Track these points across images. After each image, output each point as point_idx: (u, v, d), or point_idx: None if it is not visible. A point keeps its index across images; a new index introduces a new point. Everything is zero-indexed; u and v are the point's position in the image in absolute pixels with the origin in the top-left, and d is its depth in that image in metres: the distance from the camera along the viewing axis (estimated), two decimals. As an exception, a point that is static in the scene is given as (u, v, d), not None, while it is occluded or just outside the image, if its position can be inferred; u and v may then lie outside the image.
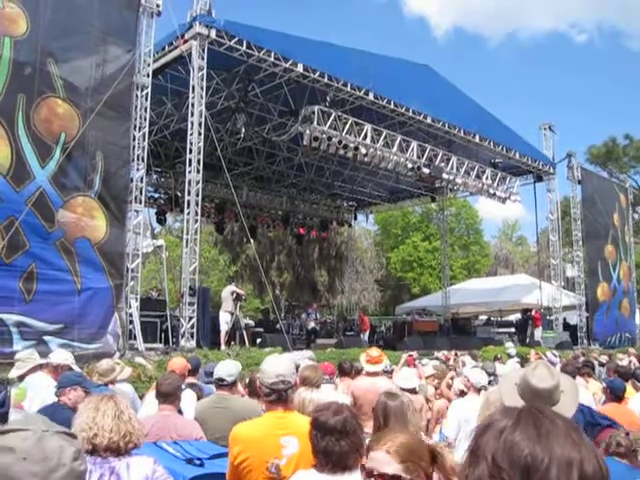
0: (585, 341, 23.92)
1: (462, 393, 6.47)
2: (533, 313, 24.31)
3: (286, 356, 5.19)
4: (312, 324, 22.08)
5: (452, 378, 7.73)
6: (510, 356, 13.74)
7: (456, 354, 13.48)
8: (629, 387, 6.99)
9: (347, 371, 7.86)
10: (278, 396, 3.38)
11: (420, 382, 8.15)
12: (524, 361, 13.58)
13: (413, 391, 6.50)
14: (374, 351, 6.73)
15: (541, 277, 27.37)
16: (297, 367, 6.07)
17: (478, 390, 6.11)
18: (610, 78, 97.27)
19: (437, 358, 13.78)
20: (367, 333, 23.52)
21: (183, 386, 5.37)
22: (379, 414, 3.87)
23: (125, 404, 2.92)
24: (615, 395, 6.10)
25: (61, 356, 6.54)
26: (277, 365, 3.49)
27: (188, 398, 5.47)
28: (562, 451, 1.15)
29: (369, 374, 6.47)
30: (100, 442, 2.80)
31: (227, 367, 5.17)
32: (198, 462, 3.62)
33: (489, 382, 7.23)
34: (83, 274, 11.17)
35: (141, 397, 7.60)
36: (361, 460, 2.78)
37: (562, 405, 2.77)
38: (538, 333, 23.41)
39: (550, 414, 1.27)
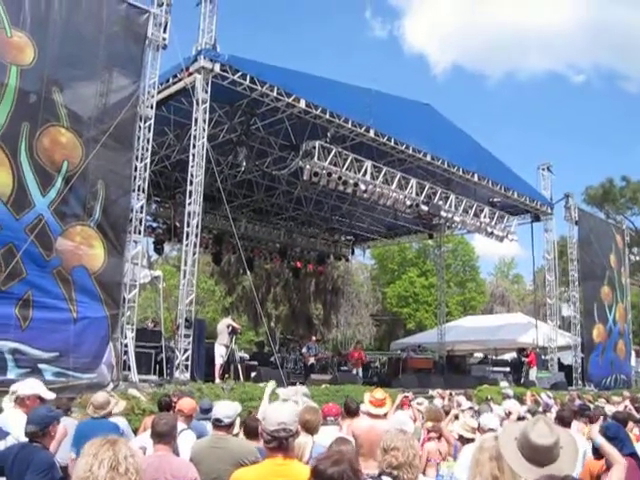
0: (580, 382, 23.78)
1: (461, 438, 6.40)
2: (528, 354, 24.18)
3: (284, 402, 5.12)
4: (312, 360, 21.83)
5: (456, 417, 7.65)
6: (508, 397, 13.61)
7: (451, 394, 13.37)
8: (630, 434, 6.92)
9: (352, 412, 7.71)
10: (279, 444, 3.36)
11: (415, 425, 8.09)
12: (520, 402, 13.48)
13: (409, 435, 6.43)
14: (379, 393, 6.65)
15: (537, 316, 27.31)
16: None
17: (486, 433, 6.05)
18: (607, 119, 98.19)
19: (431, 397, 13.67)
20: (360, 369, 23.20)
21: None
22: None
23: (125, 452, 2.85)
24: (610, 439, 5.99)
25: (28, 387, 5.96)
26: (279, 413, 3.47)
27: (187, 440, 5.41)
28: None
29: (371, 416, 6.42)
30: None
31: (225, 409, 5.13)
32: (194, 506, 3.58)
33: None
34: (79, 303, 11.13)
35: (134, 430, 7.55)
36: None
37: (561, 461, 2.75)
38: (533, 373, 23.28)
39: None
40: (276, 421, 3.39)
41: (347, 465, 2.76)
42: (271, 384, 6.79)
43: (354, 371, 22.50)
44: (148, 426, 6.28)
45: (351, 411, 7.53)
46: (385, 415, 6.58)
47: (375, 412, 6.41)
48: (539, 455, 2.64)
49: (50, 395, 5.96)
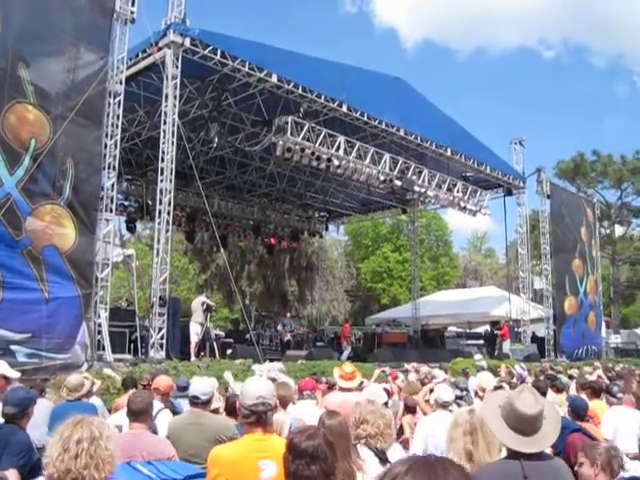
0: (552, 354, 24.13)
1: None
2: (501, 327, 24.45)
3: (259, 377, 5.10)
4: (288, 336, 21.80)
5: (431, 391, 7.69)
6: (482, 369, 13.74)
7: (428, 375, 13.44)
8: (602, 403, 7.02)
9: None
10: (257, 418, 3.33)
11: (394, 397, 8.13)
12: (494, 374, 13.61)
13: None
14: (348, 367, 6.71)
15: (510, 289, 27.61)
16: (273, 380, 6.04)
17: (443, 406, 6.09)
18: (578, 94, 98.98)
19: (406, 371, 13.75)
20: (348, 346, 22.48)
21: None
22: None
23: (80, 436, 2.74)
24: (576, 413, 6.05)
25: None
26: (257, 387, 3.44)
27: (164, 419, 5.36)
28: None
29: (342, 390, 6.45)
30: (51, 473, 2.71)
31: (202, 385, 5.09)
32: (173, 484, 3.54)
33: (461, 397, 7.23)
34: (51, 283, 10.97)
35: (109, 410, 7.49)
36: None
37: (545, 431, 2.77)
38: (506, 345, 23.57)
39: (446, 464, 1.35)
40: (254, 395, 3.35)
41: (321, 439, 2.75)
42: (228, 373, 6.76)
43: (348, 348, 22.06)
44: (119, 407, 6.24)
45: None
46: (359, 388, 6.62)
47: (346, 385, 6.46)
48: (524, 424, 2.67)
49: (15, 374, 5.84)
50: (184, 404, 6.10)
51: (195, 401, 4.99)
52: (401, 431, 7.43)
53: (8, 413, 4.51)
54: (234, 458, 3.26)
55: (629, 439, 6.11)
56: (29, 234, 10.73)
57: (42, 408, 5.80)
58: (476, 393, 8.51)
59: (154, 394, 5.85)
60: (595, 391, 7.31)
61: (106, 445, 2.78)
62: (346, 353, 21.29)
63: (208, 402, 5.06)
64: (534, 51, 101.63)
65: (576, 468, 3.54)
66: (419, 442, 5.78)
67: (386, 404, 6.72)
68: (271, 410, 3.39)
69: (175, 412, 5.96)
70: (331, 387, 8.14)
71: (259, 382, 3.58)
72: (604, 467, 3.83)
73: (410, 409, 7.72)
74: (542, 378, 10.51)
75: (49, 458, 2.72)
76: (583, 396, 7.50)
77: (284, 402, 5.13)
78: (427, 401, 7.49)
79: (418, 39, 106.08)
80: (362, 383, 7.96)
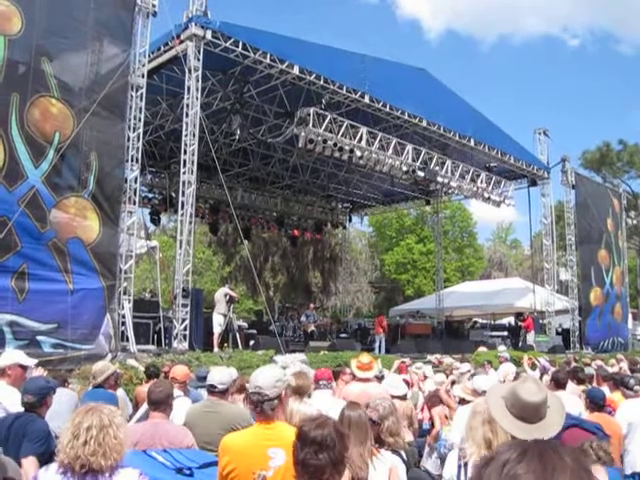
0: (577, 345, 23.93)
1: (462, 401, 6.41)
2: (525, 318, 24.28)
3: (273, 367, 5.12)
4: (312, 327, 21.83)
5: (453, 383, 7.68)
6: (506, 360, 13.68)
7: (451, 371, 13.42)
8: (619, 394, 6.97)
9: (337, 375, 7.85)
10: (255, 407, 3.36)
11: (413, 389, 8.14)
12: (517, 366, 13.55)
13: (402, 398, 6.50)
14: (365, 357, 6.73)
15: (535, 280, 27.41)
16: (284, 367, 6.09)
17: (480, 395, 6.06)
18: (603, 83, 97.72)
19: (430, 362, 13.75)
20: (382, 337, 21.60)
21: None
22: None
23: (90, 423, 2.79)
24: (594, 404, 6.07)
25: (8, 356, 5.85)
26: (257, 376, 3.45)
27: (182, 406, 5.43)
28: None
29: (360, 380, 6.47)
30: (62, 459, 2.77)
31: (220, 375, 5.15)
32: (188, 472, 3.60)
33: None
34: (75, 274, 11.09)
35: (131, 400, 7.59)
36: (339, 476, 2.76)
37: (549, 419, 2.78)
38: (531, 337, 23.41)
39: (560, 450, 1.18)
40: (253, 384, 3.37)
41: (331, 428, 2.76)
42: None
43: (382, 338, 21.79)
44: (140, 395, 6.32)
45: (335, 374, 7.69)
46: (377, 378, 6.64)
47: (362, 375, 6.48)
48: (528, 412, 2.68)
49: (31, 362, 5.92)
50: (204, 394, 6.17)
51: (212, 390, 5.05)
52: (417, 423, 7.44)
53: (27, 402, 4.59)
54: (244, 446, 3.29)
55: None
56: (54, 226, 10.87)
57: (64, 398, 5.89)
58: (504, 381, 8.51)
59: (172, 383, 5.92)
60: (617, 382, 7.26)
61: (115, 433, 2.83)
62: (382, 344, 21.02)
63: (225, 391, 5.12)
64: (558, 39, 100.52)
65: None
66: (456, 432, 5.73)
67: (405, 395, 6.76)
68: (269, 401, 3.36)
69: (195, 401, 6.04)
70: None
71: (262, 372, 3.54)
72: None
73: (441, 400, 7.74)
74: (567, 369, 10.41)
75: (61, 445, 2.79)
76: (604, 388, 7.46)
77: (302, 391, 5.16)
78: (447, 392, 7.47)
79: (441, 29, 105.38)
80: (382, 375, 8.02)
